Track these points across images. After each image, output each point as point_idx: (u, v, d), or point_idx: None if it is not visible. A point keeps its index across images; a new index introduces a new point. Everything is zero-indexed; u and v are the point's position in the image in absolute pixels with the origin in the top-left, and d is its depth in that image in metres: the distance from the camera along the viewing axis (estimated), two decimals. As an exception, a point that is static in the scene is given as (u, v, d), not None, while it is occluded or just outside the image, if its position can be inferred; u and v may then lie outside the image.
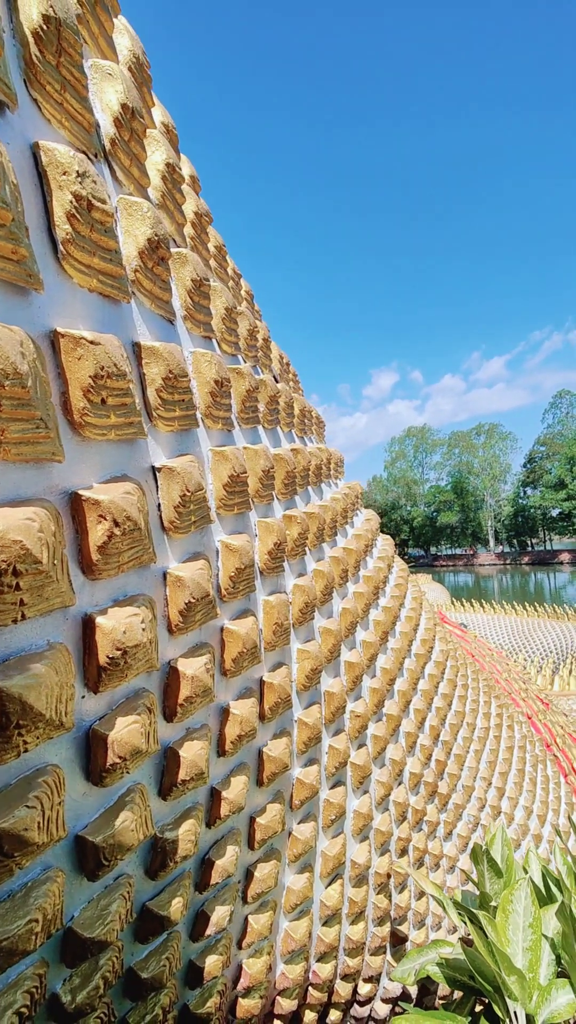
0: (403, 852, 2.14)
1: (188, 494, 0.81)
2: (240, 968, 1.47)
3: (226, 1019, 1.55)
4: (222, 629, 1.01)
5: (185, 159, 1.47)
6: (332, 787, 1.65)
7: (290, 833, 1.50)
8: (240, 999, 1.54)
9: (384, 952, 2.17)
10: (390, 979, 1.97)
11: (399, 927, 2.23)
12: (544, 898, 1.68)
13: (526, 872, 1.99)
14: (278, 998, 1.72)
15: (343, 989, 2.00)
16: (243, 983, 1.48)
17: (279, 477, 1.26)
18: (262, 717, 1.22)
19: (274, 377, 1.59)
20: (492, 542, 78.66)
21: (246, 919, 1.41)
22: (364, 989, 2.15)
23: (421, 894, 2.34)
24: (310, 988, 1.84)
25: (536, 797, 3.73)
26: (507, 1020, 1.39)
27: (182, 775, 0.91)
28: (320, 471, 1.67)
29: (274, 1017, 1.79)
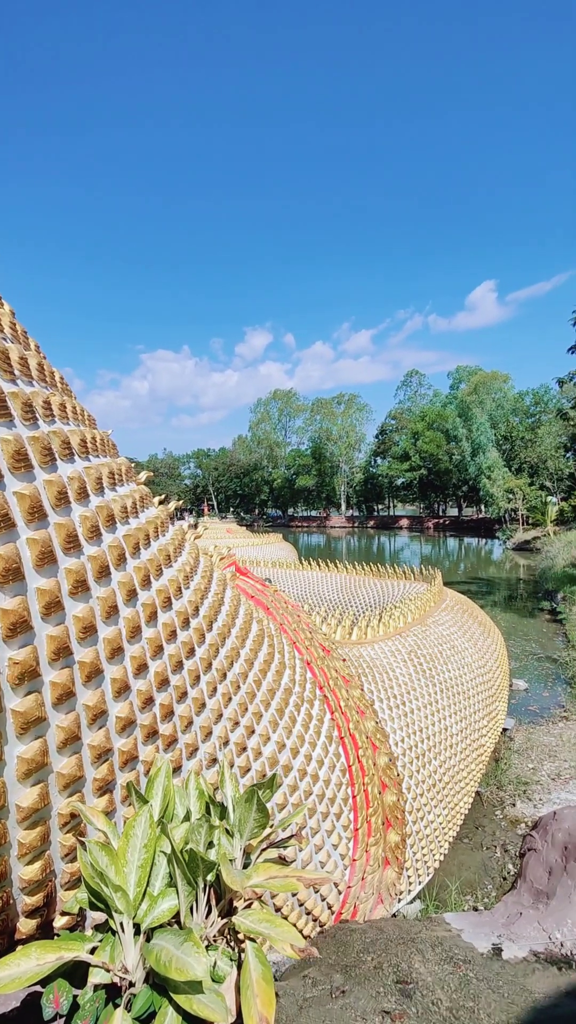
0: (104, 791, 2.21)
1: None
2: None
3: None
4: None
5: None
6: (-22, 735, 1.62)
7: None
8: None
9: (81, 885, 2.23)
10: (65, 911, 2.04)
11: (101, 861, 2.31)
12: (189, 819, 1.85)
13: (203, 795, 2.18)
14: None
15: (26, 926, 2.03)
16: None
17: None
18: None
19: None
20: (344, 506, 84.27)
21: None
22: (61, 922, 2.21)
23: (131, 828, 2.44)
24: (-26, 930, 1.84)
25: (293, 733, 4.08)
26: (119, 929, 1.53)
27: None
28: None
29: None
